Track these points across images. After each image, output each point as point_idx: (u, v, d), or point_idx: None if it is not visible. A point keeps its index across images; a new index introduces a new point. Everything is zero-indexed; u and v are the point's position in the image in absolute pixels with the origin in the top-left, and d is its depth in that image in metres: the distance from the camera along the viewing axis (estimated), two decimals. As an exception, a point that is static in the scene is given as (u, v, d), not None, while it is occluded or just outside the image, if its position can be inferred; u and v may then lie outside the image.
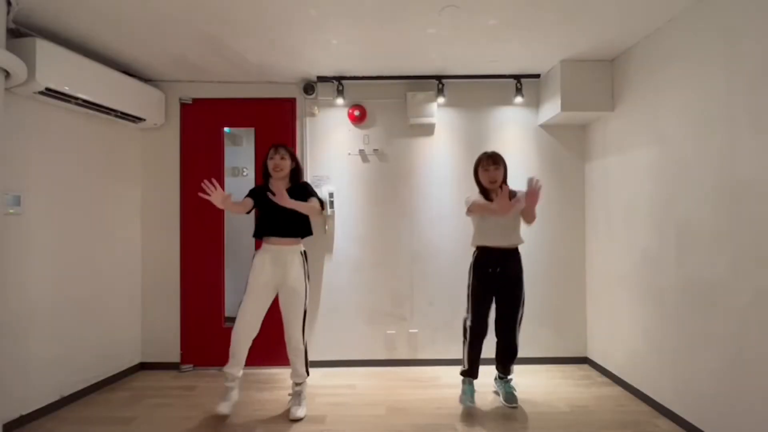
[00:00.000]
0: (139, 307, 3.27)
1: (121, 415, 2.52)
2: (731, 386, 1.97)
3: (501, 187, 2.47)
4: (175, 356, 3.28)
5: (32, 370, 2.43)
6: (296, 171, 2.59)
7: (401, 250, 3.34)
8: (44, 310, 2.51)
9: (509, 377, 2.67)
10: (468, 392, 2.61)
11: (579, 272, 3.34)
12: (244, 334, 2.46)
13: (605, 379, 3.00)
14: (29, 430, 2.33)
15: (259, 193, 2.54)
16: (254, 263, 2.51)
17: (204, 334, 3.28)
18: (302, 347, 2.52)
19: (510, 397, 2.59)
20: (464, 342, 2.64)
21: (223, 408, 2.43)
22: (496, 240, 2.55)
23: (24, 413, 2.37)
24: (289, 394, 2.60)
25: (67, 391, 2.65)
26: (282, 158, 2.49)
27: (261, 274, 2.46)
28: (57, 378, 2.58)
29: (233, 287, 3.40)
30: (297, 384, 2.57)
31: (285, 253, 2.48)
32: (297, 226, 2.52)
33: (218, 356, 3.26)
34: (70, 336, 2.67)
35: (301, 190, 2.56)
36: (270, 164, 2.51)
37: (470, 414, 2.49)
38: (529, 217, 2.53)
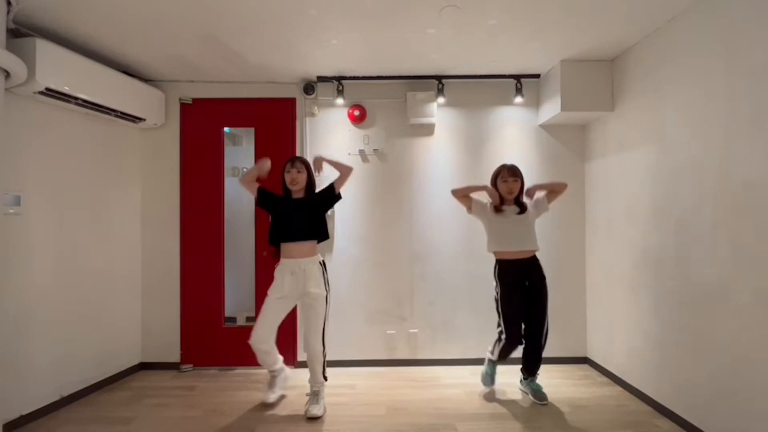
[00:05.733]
0: (139, 307, 3.27)
1: (121, 415, 2.51)
2: (731, 386, 1.97)
3: (519, 196, 2.64)
4: (175, 356, 3.28)
5: (32, 370, 2.43)
6: (311, 184, 2.62)
7: (401, 250, 3.34)
8: (44, 310, 2.51)
9: (535, 377, 2.71)
10: (490, 372, 2.79)
11: (579, 272, 3.34)
12: (259, 345, 2.51)
13: (605, 379, 3.00)
14: (29, 430, 2.33)
15: (277, 202, 2.59)
16: (275, 278, 2.54)
17: (204, 334, 3.28)
18: (321, 356, 2.52)
19: (540, 394, 2.63)
20: (497, 343, 2.68)
21: (268, 397, 2.60)
22: (512, 245, 2.59)
23: (24, 413, 2.37)
24: (307, 394, 2.58)
25: (67, 391, 2.65)
26: (298, 172, 2.54)
27: (280, 290, 2.50)
28: (57, 378, 2.58)
29: (233, 287, 3.41)
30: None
31: (304, 264, 2.50)
32: (314, 229, 2.54)
33: (218, 356, 3.28)
34: (70, 336, 2.67)
35: (324, 191, 2.64)
36: (287, 178, 2.55)
37: (470, 414, 2.49)
38: (558, 187, 2.68)
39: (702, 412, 2.16)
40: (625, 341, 2.82)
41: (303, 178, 2.55)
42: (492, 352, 2.74)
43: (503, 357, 2.69)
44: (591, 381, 2.98)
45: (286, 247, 2.52)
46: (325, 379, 2.57)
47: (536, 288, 2.60)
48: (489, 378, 2.81)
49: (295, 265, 2.50)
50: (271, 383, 2.66)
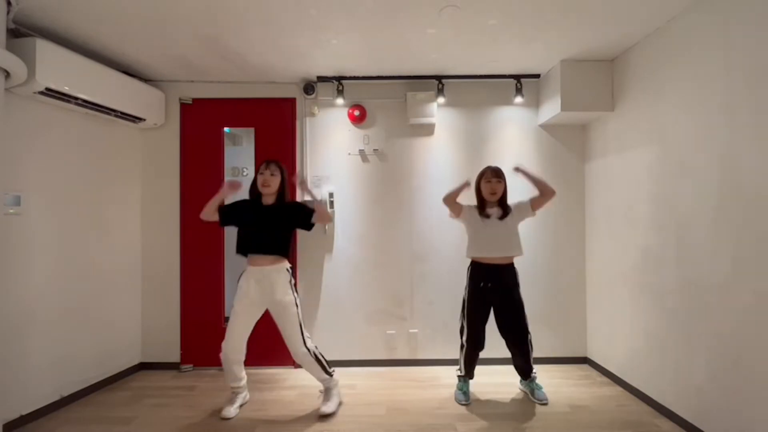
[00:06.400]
0: (139, 307, 3.27)
1: (121, 415, 2.51)
2: (731, 386, 1.97)
3: (502, 199, 2.62)
4: (175, 356, 3.28)
5: (32, 370, 2.43)
6: (284, 192, 2.49)
7: (401, 250, 3.34)
8: (44, 310, 2.51)
9: (532, 376, 2.70)
10: (463, 389, 2.68)
11: (579, 272, 3.34)
12: (233, 355, 2.48)
13: (605, 379, 3.00)
14: (29, 430, 2.33)
15: (243, 210, 2.49)
16: (239, 285, 2.47)
17: (204, 334, 3.28)
18: (310, 357, 2.48)
19: (540, 394, 2.63)
20: (461, 349, 2.70)
21: (228, 412, 2.46)
22: (491, 250, 2.57)
23: (24, 413, 2.37)
24: (320, 391, 2.62)
25: (67, 391, 2.65)
26: (272, 174, 2.44)
27: (246, 296, 2.43)
28: (57, 378, 2.58)
29: (233, 287, 3.40)
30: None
31: (269, 272, 2.42)
32: (280, 244, 2.45)
33: (218, 356, 3.26)
34: (69, 336, 2.67)
35: (299, 209, 2.51)
36: (259, 179, 2.44)
37: (470, 414, 2.49)
38: (546, 190, 2.58)
39: (702, 412, 2.16)
40: (625, 341, 2.82)
41: (276, 182, 2.44)
42: (459, 369, 2.73)
43: (469, 366, 2.68)
44: (591, 381, 2.98)
45: (251, 255, 2.44)
46: (330, 375, 2.54)
47: (505, 295, 2.57)
48: (462, 394, 2.66)
49: (260, 273, 2.42)
50: (232, 399, 2.55)
